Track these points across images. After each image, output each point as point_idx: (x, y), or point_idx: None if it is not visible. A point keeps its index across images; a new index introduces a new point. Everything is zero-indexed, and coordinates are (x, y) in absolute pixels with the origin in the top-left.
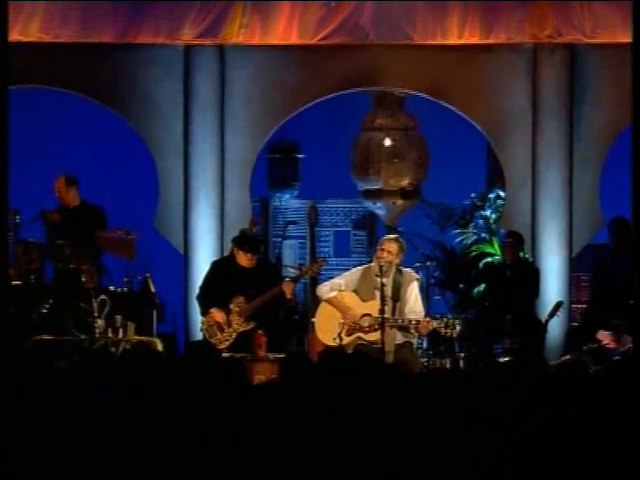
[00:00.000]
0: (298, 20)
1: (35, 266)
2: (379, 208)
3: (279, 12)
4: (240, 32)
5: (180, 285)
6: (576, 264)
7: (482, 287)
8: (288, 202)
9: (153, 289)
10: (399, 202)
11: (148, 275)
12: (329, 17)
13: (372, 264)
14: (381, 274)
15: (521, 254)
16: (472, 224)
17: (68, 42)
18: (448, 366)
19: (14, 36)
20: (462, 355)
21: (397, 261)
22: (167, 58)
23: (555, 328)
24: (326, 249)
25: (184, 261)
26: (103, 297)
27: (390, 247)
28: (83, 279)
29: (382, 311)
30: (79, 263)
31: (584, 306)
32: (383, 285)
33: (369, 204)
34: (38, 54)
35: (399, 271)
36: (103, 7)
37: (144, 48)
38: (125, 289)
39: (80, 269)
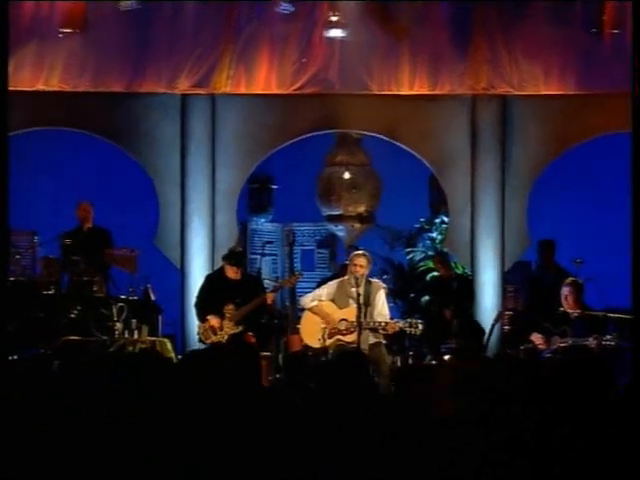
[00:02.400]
0: (276, 73)
1: (54, 278)
2: (340, 230)
3: (260, 66)
4: (227, 82)
5: (176, 294)
6: (507, 277)
7: (427, 297)
8: (263, 225)
9: (153, 297)
10: (357, 225)
11: (149, 286)
12: (302, 71)
13: (346, 277)
14: (357, 285)
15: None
16: (420, 244)
17: (84, 91)
18: (399, 364)
19: (39, 85)
20: (411, 353)
21: (367, 272)
22: (167, 104)
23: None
24: (295, 264)
25: (180, 274)
26: (121, 304)
27: (361, 261)
28: (94, 289)
29: (359, 316)
30: (91, 275)
31: (511, 312)
32: (359, 294)
33: (331, 227)
34: (59, 101)
35: (368, 281)
36: (113, 62)
37: (148, 96)
38: (136, 297)
39: (92, 280)
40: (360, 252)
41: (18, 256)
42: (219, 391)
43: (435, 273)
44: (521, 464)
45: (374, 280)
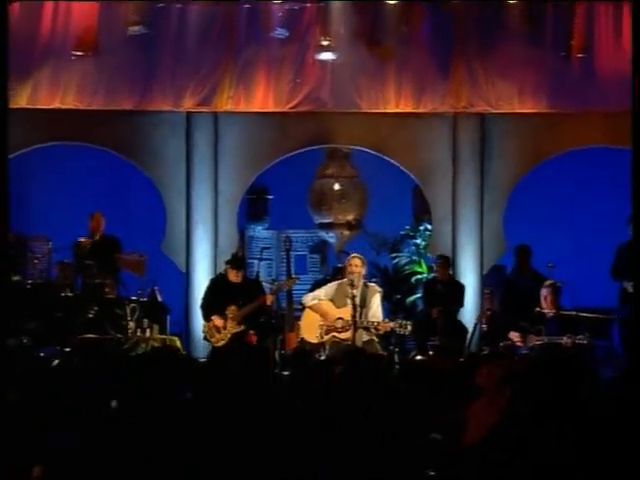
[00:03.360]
0: (273, 92)
1: (69, 281)
2: (330, 237)
3: (258, 86)
4: (228, 101)
5: (181, 296)
6: (485, 280)
7: (413, 298)
8: (260, 232)
9: (159, 298)
10: (346, 232)
11: (156, 288)
12: (296, 90)
13: (344, 279)
14: (354, 287)
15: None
16: (406, 249)
17: (97, 109)
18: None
19: (55, 104)
20: (396, 350)
21: (363, 272)
22: (173, 121)
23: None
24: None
25: (186, 277)
26: (134, 305)
27: (356, 262)
28: (106, 290)
29: (354, 316)
30: (103, 278)
31: (490, 313)
32: (354, 296)
33: (323, 234)
34: (74, 118)
35: (366, 285)
36: (123, 82)
37: (155, 113)
38: (145, 299)
39: (103, 283)
40: (356, 255)
41: (36, 261)
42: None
43: (419, 276)
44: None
45: (371, 284)
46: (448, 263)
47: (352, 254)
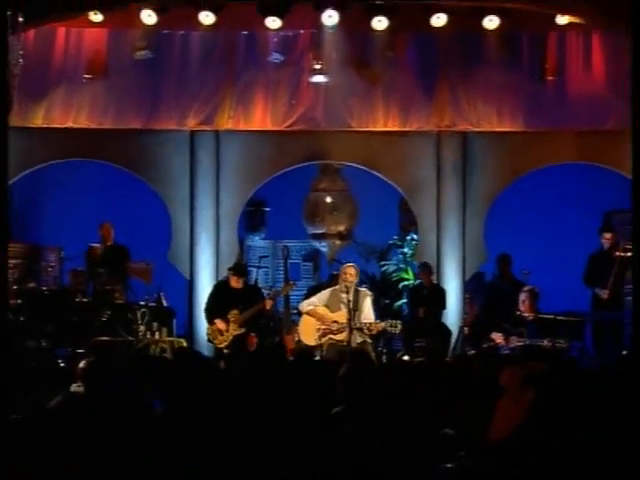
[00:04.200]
0: (270, 112)
1: (81, 287)
2: (323, 246)
3: (256, 107)
4: (229, 120)
5: (184, 301)
6: (467, 286)
7: (400, 302)
8: (257, 242)
9: (165, 303)
10: (337, 242)
11: (161, 294)
12: (292, 111)
13: (338, 286)
14: (347, 292)
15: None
16: (394, 258)
17: (107, 128)
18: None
19: (69, 123)
20: (384, 351)
21: (356, 280)
22: (177, 139)
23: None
24: (283, 275)
25: (189, 284)
26: (143, 310)
27: (351, 271)
28: (116, 296)
29: (349, 319)
30: (112, 285)
31: (474, 316)
32: (349, 300)
33: (315, 243)
34: (86, 136)
35: (357, 290)
36: (131, 103)
37: (161, 132)
38: (155, 303)
39: (113, 289)
40: (351, 264)
41: (50, 269)
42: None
43: (406, 282)
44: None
45: (362, 289)
46: (430, 269)
47: (347, 264)
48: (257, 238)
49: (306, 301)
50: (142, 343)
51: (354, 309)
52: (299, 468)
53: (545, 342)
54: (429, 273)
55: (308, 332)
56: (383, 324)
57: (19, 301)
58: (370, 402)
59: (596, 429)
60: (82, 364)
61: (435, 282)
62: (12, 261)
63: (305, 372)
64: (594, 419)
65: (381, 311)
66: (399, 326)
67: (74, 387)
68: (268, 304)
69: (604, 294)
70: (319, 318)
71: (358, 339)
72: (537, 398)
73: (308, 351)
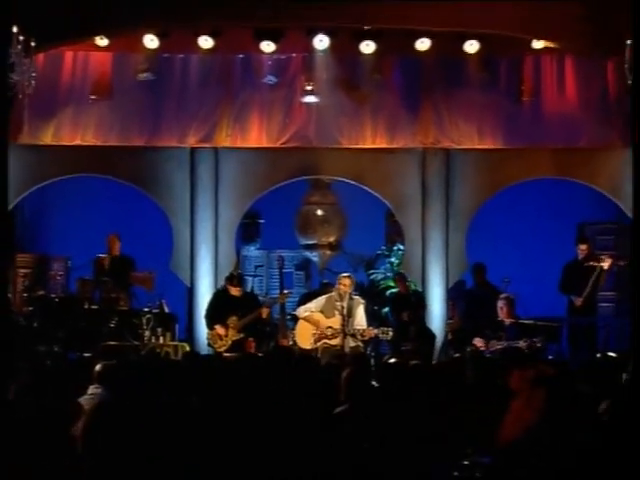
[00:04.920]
0: (265, 130)
1: (88, 295)
2: (314, 256)
3: (252, 125)
4: (227, 138)
5: (185, 307)
6: (450, 293)
7: (387, 309)
8: (252, 252)
9: (166, 310)
10: (327, 252)
11: (163, 301)
12: (285, 129)
13: (333, 293)
14: (341, 300)
15: (412, 286)
16: (382, 267)
17: (113, 145)
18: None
19: (77, 141)
20: (372, 354)
21: (350, 290)
22: (178, 156)
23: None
24: (276, 283)
25: (190, 291)
26: (148, 316)
27: (346, 281)
28: (120, 303)
29: (343, 325)
30: (117, 292)
31: (457, 322)
32: (343, 307)
33: (307, 253)
34: (93, 153)
35: (351, 297)
36: (134, 122)
37: (163, 149)
38: (158, 310)
39: (118, 297)
40: (346, 275)
41: (59, 277)
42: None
43: (394, 290)
44: None
45: (355, 297)
46: (404, 279)
47: (343, 274)
48: (252, 248)
49: (303, 307)
50: (147, 347)
51: (348, 316)
52: (301, 466)
53: (522, 344)
54: (404, 282)
55: (304, 337)
56: (375, 330)
57: (31, 308)
58: (372, 401)
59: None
60: (98, 367)
61: (413, 289)
62: (22, 270)
63: (308, 374)
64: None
65: (369, 317)
66: (390, 333)
67: (92, 389)
68: (264, 312)
69: (578, 301)
70: (314, 323)
71: (351, 344)
72: (549, 397)
73: (310, 355)
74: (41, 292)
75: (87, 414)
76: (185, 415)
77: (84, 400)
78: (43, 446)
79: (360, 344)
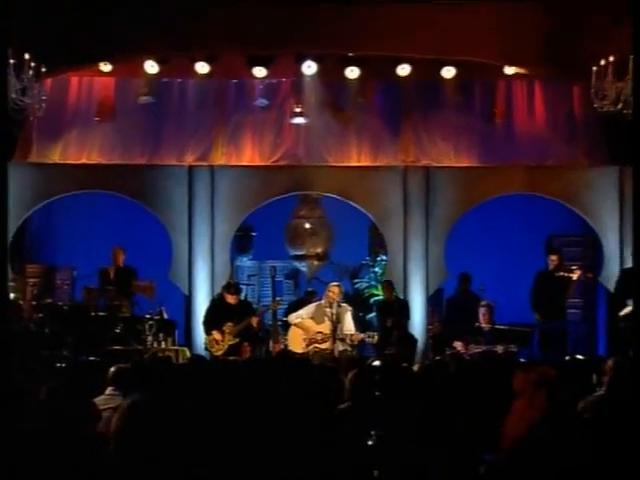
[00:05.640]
0: (258, 149)
1: (93, 302)
2: (303, 266)
3: (245, 145)
4: (222, 157)
5: (183, 314)
6: (429, 301)
7: (371, 315)
8: (245, 262)
9: (166, 316)
10: (315, 262)
11: (163, 308)
12: (276, 148)
13: (322, 302)
14: (331, 307)
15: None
16: (366, 276)
17: (116, 163)
18: None
19: (83, 159)
20: (358, 357)
21: (339, 298)
22: (177, 173)
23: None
24: (268, 292)
25: (188, 299)
26: (151, 322)
27: (334, 290)
28: (123, 310)
29: (333, 330)
30: (120, 300)
31: (431, 326)
32: (332, 314)
33: (296, 264)
34: (98, 171)
35: (339, 305)
36: (136, 142)
37: (163, 167)
38: (159, 316)
39: (121, 304)
40: (335, 284)
41: (66, 286)
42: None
43: (377, 297)
44: None
45: (343, 304)
46: (391, 286)
47: (332, 283)
48: (245, 259)
49: (295, 314)
50: (150, 352)
51: (337, 322)
52: (301, 465)
53: (499, 348)
54: (391, 289)
55: (296, 341)
56: (362, 335)
57: (40, 315)
58: (375, 400)
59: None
60: (112, 369)
61: (397, 297)
62: (31, 280)
63: (306, 377)
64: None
65: (355, 323)
66: (376, 337)
67: (109, 390)
68: (254, 321)
69: (539, 317)
70: (305, 329)
71: (340, 347)
72: (550, 397)
73: (306, 358)
74: (49, 300)
75: (120, 413)
76: (203, 416)
77: (100, 401)
78: (73, 443)
79: (348, 348)
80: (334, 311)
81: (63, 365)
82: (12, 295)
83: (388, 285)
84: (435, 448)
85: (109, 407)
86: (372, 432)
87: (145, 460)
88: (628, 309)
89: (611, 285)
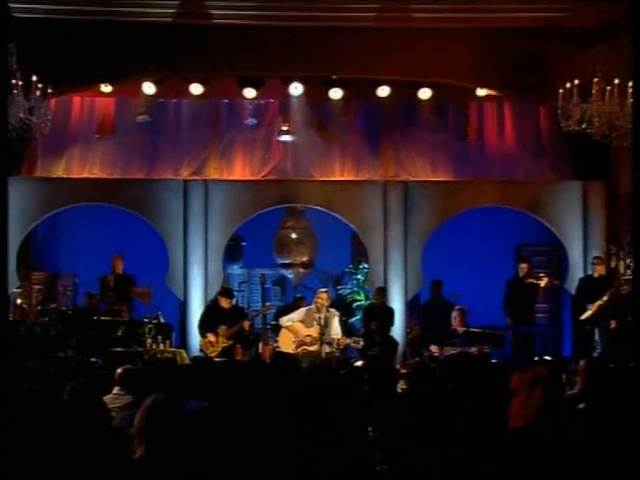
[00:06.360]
0: (248, 165)
1: (94, 307)
2: (289, 273)
3: (237, 160)
4: (215, 171)
5: (178, 318)
6: (408, 305)
7: (353, 319)
8: (236, 270)
9: (162, 320)
10: (301, 270)
11: (159, 312)
12: (266, 164)
13: (312, 307)
14: (319, 312)
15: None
16: (349, 283)
17: (116, 177)
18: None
19: (85, 174)
20: (342, 358)
21: (327, 304)
22: (173, 187)
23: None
24: (257, 297)
25: (183, 304)
26: (150, 326)
27: (323, 296)
28: (122, 314)
29: (321, 334)
30: (120, 305)
31: (410, 330)
32: (320, 318)
33: (283, 271)
34: (99, 184)
35: (328, 310)
36: (134, 157)
37: (160, 181)
38: (156, 320)
39: (120, 309)
40: (323, 290)
41: (68, 292)
42: None
43: (359, 302)
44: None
45: (331, 309)
46: (384, 292)
47: (321, 289)
48: (236, 267)
49: (285, 317)
50: (149, 353)
51: (325, 326)
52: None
53: (473, 350)
54: (383, 295)
55: (286, 343)
56: (348, 340)
57: (46, 318)
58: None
59: None
60: (119, 370)
61: (385, 303)
62: (36, 286)
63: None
64: None
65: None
66: (361, 342)
67: (116, 390)
68: (246, 324)
69: (511, 321)
70: (295, 332)
71: (327, 350)
72: (545, 395)
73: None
74: (53, 305)
75: (144, 411)
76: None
77: (107, 400)
78: (96, 437)
79: (335, 350)
80: (322, 316)
81: (71, 366)
82: (19, 300)
83: (381, 291)
84: (431, 445)
85: (116, 406)
86: (369, 429)
87: (168, 454)
88: (588, 313)
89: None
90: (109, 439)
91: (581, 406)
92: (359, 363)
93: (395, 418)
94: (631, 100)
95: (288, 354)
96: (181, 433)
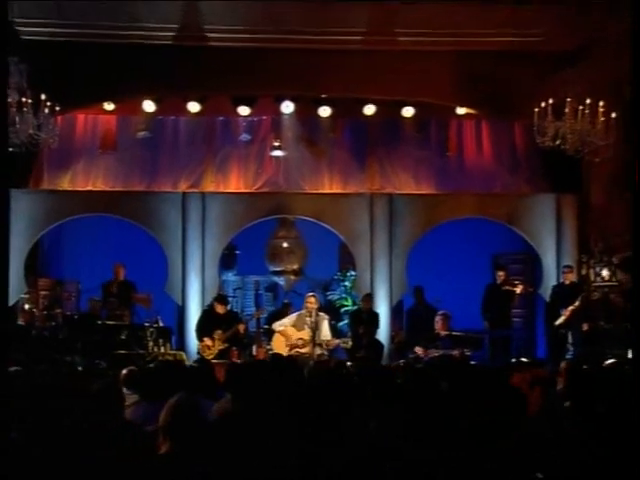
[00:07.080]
0: (242, 178)
1: (97, 312)
2: (281, 280)
3: (232, 174)
4: (211, 185)
5: (176, 322)
6: (393, 310)
7: (341, 324)
8: (230, 277)
9: (162, 324)
10: (292, 277)
11: (159, 317)
12: (259, 177)
13: (303, 311)
14: (310, 316)
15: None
16: (338, 289)
17: (118, 190)
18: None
19: (88, 187)
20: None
21: (316, 306)
22: (172, 199)
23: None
24: (250, 303)
25: (181, 309)
26: (151, 329)
27: (311, 300)
28: (124, 319)
29: (312, 336)
30: (121, 310)
31: (394, 333)
32: (311, 322)
33: (275, 278)
34: (102, 197)
35: (318, 314)
36: (135, 171)
37: (160, 193)
38: (156, 324)
39: (122, 314)
40: (311, 294)
41: (72, 298)
42: None
43: (347, 308)
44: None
45: (321, 313)
46: (371, 299)
47: (309, 293)
48: (230, 274)
49: (278, 322)
50: (151, 356)
51: (315, 329)
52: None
53: (455, 352)
54: (370, 301)
55: (279, 346)
56: (338, 341)
57: (53, 323)
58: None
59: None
60: (125, 371)
61: (372, 309)
62: (42, 292)
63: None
64: None
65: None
66: (350, 343)
67: (123, 390)
68: (241, 328)
69: (488, 325)
70: (287, 336)
71: (318, 352)
72: (544, 395)
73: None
74: (58, 310)
75: (168, 409)
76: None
77: None
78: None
79: (325, 352)
80: (313, 319)
81: (80, 368)
82: (27, 305)
83: (369, 298)
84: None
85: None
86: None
87: (192, 449)
88: (562, 318)
89: (548, 297)
90: (131, 435)
91: (566, 404)
92: (348, 363)
93: (395, 418)
94: (602, 119)
95: (286, 356)
96: (204, 430)
